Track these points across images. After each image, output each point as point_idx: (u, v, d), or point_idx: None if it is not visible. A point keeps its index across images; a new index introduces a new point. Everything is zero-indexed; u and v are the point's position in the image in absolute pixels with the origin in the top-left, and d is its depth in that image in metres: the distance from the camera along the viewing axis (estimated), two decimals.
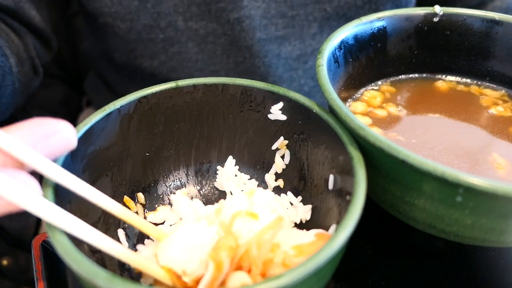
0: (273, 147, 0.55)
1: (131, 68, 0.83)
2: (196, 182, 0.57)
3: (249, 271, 0.41)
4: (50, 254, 0.52)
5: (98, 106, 0.48)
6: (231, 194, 0.55)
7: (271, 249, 0.42)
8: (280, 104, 0.52)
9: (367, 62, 0.59)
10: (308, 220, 0.51)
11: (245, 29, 0.75)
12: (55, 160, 0.40)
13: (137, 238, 0.51)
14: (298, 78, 0.82)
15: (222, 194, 0.56)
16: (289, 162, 0.55)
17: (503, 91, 0.61)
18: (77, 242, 0.40)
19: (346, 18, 0.79)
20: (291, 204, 0.53)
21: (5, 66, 0.64)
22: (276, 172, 0.56)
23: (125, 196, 0.51)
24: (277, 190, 0.55)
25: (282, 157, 0.55)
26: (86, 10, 0.77)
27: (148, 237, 0.50)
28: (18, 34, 0.72)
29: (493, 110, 0.57)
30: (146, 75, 0.83)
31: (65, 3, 0.84)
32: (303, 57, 0.81)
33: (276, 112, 0.52)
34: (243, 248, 0.42)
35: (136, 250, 0.50)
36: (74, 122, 1.06)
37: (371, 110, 0.57)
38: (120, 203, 0.51)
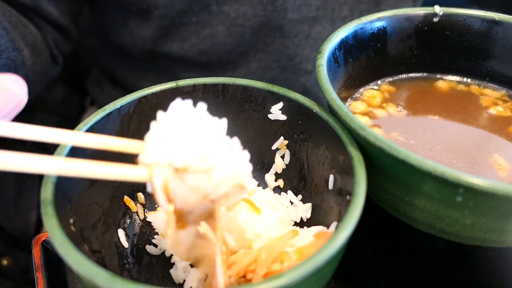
0: (273, 147, 0.55)
1: (155, 55, 0.83)
2: None
3: (253, 272, 0.42)
4: (50, 254, 0.52)
5: (101, 104, 0.48)
6: None
7: (280, 258, 0.42)
8: (280, 104, 0.52)
9: (367, 62, 0.59)
10: (309, 219, 0.51)
11: (277, 9, 0.76)
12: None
13: (137, 238, 0.51)
14: None
15: None
16: (289, 162, 0.55)
17: (504, 91, 0.61)
18: (78, 242, 0.41)
19: (375, 3, 0.81)
20: (291, 203, 0.53)
21: (17, 59, 0.65)
22: (276, 172, 0.56)
23: (125, 196, 0.51)
24: (277, 190, 0.55)
25: (282, 157, 0.55)
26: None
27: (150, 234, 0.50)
28: (38, 26, 0.73)
29: (493, 110, 0.57)
30: (171, 61, 0.83)
31: None
32: None
33: (276, 112, 0.52)
34: (255, 253, 0.42)
35: (136, 249, 0.50)
36: (77, 122, 1.06)
37: (371, 110, 0.57)
38: (120, 202, 0.51)
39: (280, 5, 0.76)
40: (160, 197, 0.36)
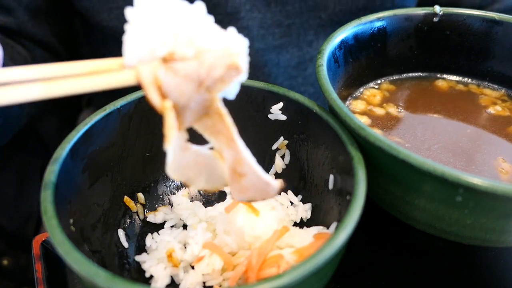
0: (273, 147, 0.55)
1: None
2: None
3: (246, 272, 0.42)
4: (50, 254, 0.52)
5: (100, 104, 0.48)
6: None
7: (275, 261, 0.42)
8: (280, 104, 0.52)
9: (367, 62, 0.59)
10: (309, 219, 0.51)
11: None
12: (55, 160, 0.40)
13: (137, 238, 0.51)
14: (298, 85, 0.82)
15: (222, 194, 0.56)
16: (289, 162, 0.55)
17: (503, 90, 0.61)
18: (78, 242, 0.41)
19: (341, 25, 0.79)
20: (291, 203, 0.53)
21: None
22: (276, 172, 0.56)
23: (125, 196, 0.51)
24: None
25: (282, 157, 0.55)
26: (89, 22, 0.78)
27: (150, 233, 0.50)
28: (26, 47, 0.73)
29: (491, 110, 0.57)
30: None
31: (69, 18, 0.84)
32: (302, 65, 0.81)
33: (276, 112, 0.52)
34: (246, 260, 0.43)
35: (139, 250, 0.50)
36: (74, 123, 1.06)
37: (371, 109, 0.57)
38: (120, 202, 0.51)
39: (245, 35, 0.73)
40: (152, 94, 0.33)
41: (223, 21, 0.73)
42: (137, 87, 0.51)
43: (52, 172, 0.39)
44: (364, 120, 0.55)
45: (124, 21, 0.81)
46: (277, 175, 0.56)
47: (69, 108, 1.09)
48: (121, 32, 0.84)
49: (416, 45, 0.61)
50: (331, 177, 0.48)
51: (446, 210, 0.41)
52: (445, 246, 0.54)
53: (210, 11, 0.74)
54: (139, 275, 0.47)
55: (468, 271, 0.52)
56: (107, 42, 0.81)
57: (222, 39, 0.34)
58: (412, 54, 0.62)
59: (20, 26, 0.71)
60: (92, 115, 0.46)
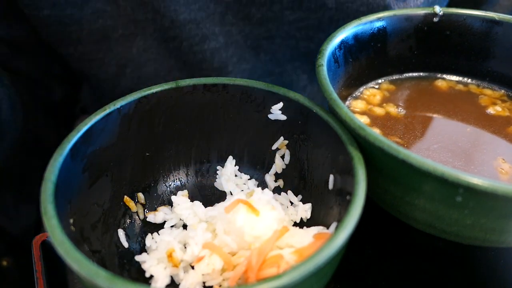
0: (273, 147, 0.55)
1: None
2: (196, 182, 0.57)
3: (245, 272, 0.42)
4: (50, 254, 0.52)
5: (95, 108, 0.48)
6: (231, 194, 0.55)
7: (275, 261, 0.42)
8: (280, 104, 0.52)
9: (367, 62, 0.59)
10: (309, 219, 0.51)
11: None
12: (55, 160, 0.40)
13: (137, 238, 0.51)
14: None
15: (222, 194, 0.56)
16: (289, 162, 0.55)
17: (502, 91, 0.61)
18: (78, 242, 0.41)
19: None
20: (291, 203, 0.53)
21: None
22: (276, 172, 0.56)
23: (125, 196, 0.51)
24: (277, 190, 0.55)
25: (282, 157, 0.55)
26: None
27: (150, 233, 0.50)
28: (6, 81, 0.73)
29: (491, 110, 0.57)
30: None
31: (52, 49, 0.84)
32: None
33: (276, 112, 0.52)
34: (246, 260, 0.43)
35: (139, 250, 0.50)
36: (70, 128, 1.05)
37: (371, 108, 0.57)
38: (120, 203, 0.51)
39: None
40: None
41: (210, 76, 0.71)
42: (135, 88, 0.51)
43: (52, 172, 0.39)
44: (364, 120, 0.55)
45: (105, 73, 0.76)
46: (277, 175, 0.56)
47: (67, 111, 1.09)
48: (104, 80, 0.79)
49: (416, 45, 0.61)
50: (331, 177, 0.48)
51: (446, 210, 0.41)
52: (445, 246, 0.54)
53: (196, 67, 0.71)
54: (139, 275, 0.47)
55: (468, 271, 0.52)
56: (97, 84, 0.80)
57: None
58: (412, 54, 0.62)
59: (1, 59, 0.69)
60: (92, 115, 0.46)
